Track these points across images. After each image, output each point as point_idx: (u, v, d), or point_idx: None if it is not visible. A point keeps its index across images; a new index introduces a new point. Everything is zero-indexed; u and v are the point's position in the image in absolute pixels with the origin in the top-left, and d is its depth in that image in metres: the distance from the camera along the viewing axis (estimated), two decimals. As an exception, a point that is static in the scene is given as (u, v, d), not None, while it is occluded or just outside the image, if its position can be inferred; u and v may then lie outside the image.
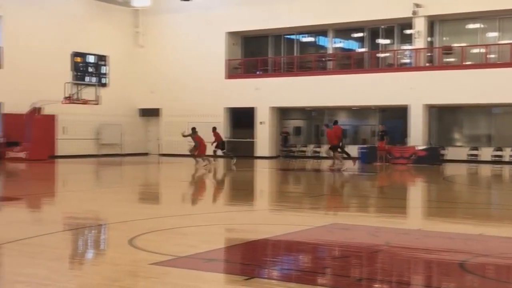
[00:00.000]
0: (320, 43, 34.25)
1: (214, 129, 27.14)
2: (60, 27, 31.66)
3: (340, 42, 33.63)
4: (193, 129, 26.14)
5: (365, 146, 29.85)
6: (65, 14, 32.06)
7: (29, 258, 7.10)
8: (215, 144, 26.57)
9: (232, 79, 33.25)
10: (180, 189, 17.44)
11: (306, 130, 34.96)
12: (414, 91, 28.60)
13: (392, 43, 31.69)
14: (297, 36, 33.78)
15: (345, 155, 24.97)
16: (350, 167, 24.15)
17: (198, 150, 25.79)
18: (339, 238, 8.64)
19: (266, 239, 8.45)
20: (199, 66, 33.66)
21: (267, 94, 31.97)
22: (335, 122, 25.56)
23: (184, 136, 26.17)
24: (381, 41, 32.07)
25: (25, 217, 11.09)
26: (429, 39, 30.31)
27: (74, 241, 8.68)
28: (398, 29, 31.18)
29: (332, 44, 32.97)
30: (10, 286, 5.91)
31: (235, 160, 26.70)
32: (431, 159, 26.89)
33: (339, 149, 24.34)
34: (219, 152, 26.90)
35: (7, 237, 8.38)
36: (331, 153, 24.16)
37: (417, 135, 28.80)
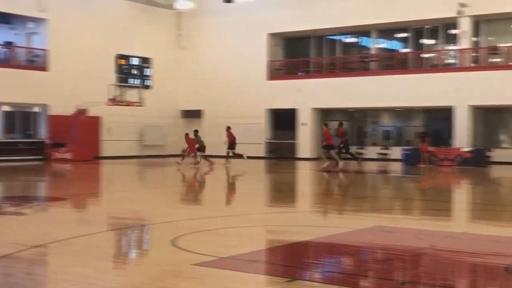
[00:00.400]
0: (363, 44, 33.98)
1: (228, 128, 27.54)
2: (104, 30, 32.19)
3: (383, 42, 33.30)
4: (195, 131, 27.50)
5: (408, 147, 29.48)
6: (110, 17, 32.58)
7: (75, 258, 7.24)
8: (228, 144, 27.08)
9: (274, 81, 33.25)
10: (222, 190, 17.52)
11: (349, 131, 34.68)
12: (459, 92, 28.13)
13: (437, 43, 31.25)
14: (339, 36, 33.59)
15: (349, 156, 26.03)
16: (396, 169, 23.87)
17: (188, 150, 26.89)
18: (382, 241, 8.56)
19: (308, 241, 8.42)
20: (240, 67, 33.78)
21: (309, 95, 31.87)
22: (340, 124, 26.75)
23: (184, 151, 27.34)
24: (426, 41, 31.65)
25: (71, 217, 11.31)
26: (474, 39, 29.77)
27: (118, 241, 8.82)
28: (442, 29, 30.73)
29: (375, 44, 32.68)
30: (57, 284, 6.04)
31: (245, 157, 27.20)
32: (476, 161, 26.40)
33: (341, 150, 25.29)
34: (223, 152, 27.19)
35: (55, 237, 8.57)
36: (327, 153, 24.33)
37: (462, 136, 28.31)
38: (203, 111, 35.20)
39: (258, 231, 9.52)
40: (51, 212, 12.11)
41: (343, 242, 8.37)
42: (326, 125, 25.33)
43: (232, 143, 27.43)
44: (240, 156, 27.49)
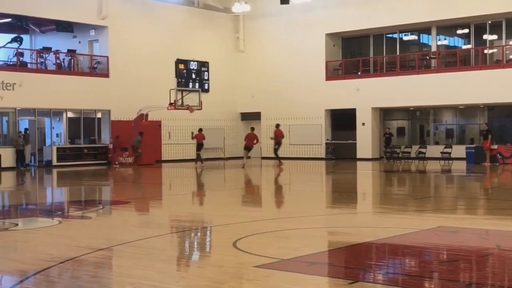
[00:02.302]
0: (423, 41, 33.41)
1: (252, 129, 28.40)
2: (163, 35, 32.71)
3: (444, 39, 32.65)
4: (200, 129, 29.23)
5: (472, 146, 28.80)
6: (169, 22, 33.08)
7: (138, 260, 7.39)
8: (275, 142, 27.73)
9: (332, 81, 33.08)
10: (282, 191, 17.54)
11: (410, 130, 34.19)
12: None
13: (500, 39, 30.40)
14: (399, 34, 33.13)
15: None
16: (459, 168, 23.38)
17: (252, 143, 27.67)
18: (446, 241, 8.41)
19: (370, 242, 8.35)
20: (298, 68, 33.74)
21: (368, 94, 31.56)
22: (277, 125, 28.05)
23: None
24: (488, 36, 30.85)
25: (135, 220, 11.54)
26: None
27: (180, 243, 8.95)
28: (505, 23, 29.88)
29: (435, 41, 32.08)
30: (121, 286, 6.18)
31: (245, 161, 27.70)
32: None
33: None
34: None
35: (119, 239, 8.77)
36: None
37: (529, 133, 27.47)
38: (261, 113, 35.31)
39: (319, 233, 9.50)
40: (115, 216, 12.39)
41: (406, 243, 8.26)
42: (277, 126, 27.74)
43: (279, 142, 27.78)
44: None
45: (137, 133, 28.84)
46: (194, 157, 32.80)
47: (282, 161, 27.62)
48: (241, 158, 30.25)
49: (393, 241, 8.42)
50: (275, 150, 28.02)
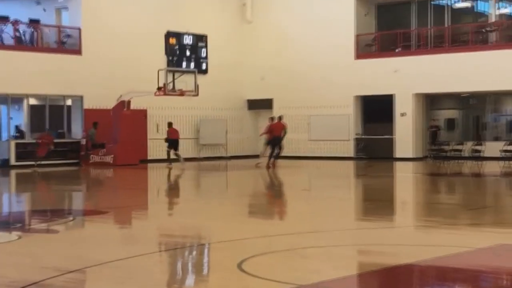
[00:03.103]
0: (480, 9, 33.26)
1: (279, 118, 28.58)
2: (150, 2, 32.71)
3: (506, 7, 32.51)
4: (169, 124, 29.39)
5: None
6: (156, -15, 33.11)
7: (119, 285, 7.42)
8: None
9: (364, 59, 32.99)
10: (299, 199, 17.54)
11: (463, 123, 34.08)
12: None
13: None
14: (449, 1, 33.02)
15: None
16: None
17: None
18: (508, 263, 8.40)
19: (411, 264, 8.34)
20: (321, 43, 33.67)
21: (410, 77, 31.47)
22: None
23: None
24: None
25: (114, 235, 11.57)
26: None
27: (171, 264, 8.97)
28: None
29: (495, 10, 31.95)
30: (98, 317, 6.22)
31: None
32: None
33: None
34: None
35: (94, 259, 8.79)
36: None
37: None
38: (274, 100, 35.29)
39: (346, 252, 9.50)
40: (89, 229, 12.42)
41: (458, 266, 8.26)
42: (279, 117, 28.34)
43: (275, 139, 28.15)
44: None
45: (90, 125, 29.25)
46: (190, 155, 32.85)
47: (275, 161, 27.68)
48: (247, 157, 30.30)
49: (441, 263, 8.40)
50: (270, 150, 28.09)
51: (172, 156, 28.95)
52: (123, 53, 31.26)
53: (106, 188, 22.34)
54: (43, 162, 28.61)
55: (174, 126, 29.66)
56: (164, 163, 28.66)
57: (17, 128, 30.18)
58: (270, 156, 27.76)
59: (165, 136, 29.65)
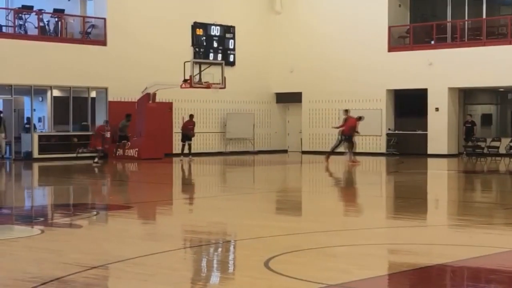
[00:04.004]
0: (518, 0, 32.93)
1: (359, 118, 27.87)
2: (177, -8, 32.78)
3: (546, -3, 32.17)
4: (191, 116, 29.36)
5: None
6: (183, -25, 33.14)
7: (142, 282, 7.44)
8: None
9: (397, 52, 32.81)
10: (328, 196, 17.51)
11: (500, 118, 33.76)
12: None
13: None
14: (486, -9, 32.73)
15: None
16: None
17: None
18: (545, 266, 8.33)
19: (444, 264, 8.30)
20: (352, 35, 33.52)
21: (445, 70, 31.25)
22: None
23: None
24: None
25: (137, 231, 11.62)
26: None
27: (196, 262, 8.99)
28: None
29: (534, 1, 31.61)
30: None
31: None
32: None
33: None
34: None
35: (117, 255, 8.83)
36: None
37: None
38: (303, 93, 35.24)
39: (376, 251, 9.47)
40: (112, 224, 12.49)
41: (493, 267, 8.19)
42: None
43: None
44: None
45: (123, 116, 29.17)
46: (216, 149, 32.91)
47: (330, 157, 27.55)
48: (275, 152, 30.30)
49: (475, 264, 8.35)
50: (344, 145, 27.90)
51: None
52: (148, 44, 31.33)
53: (130, 182, 22.44)
54: (66, 155, 28.84)
55: (194, 119, 29.91)
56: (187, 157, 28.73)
57: (28, 119, 30.27)
58: (350, 152, 27.52)
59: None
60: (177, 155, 29.98)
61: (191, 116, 29.71)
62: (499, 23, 32.30)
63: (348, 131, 27.21)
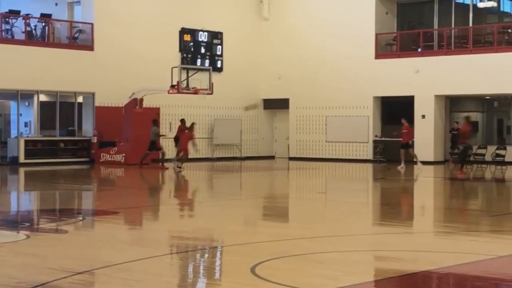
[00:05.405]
0: (505, 9, 33.10)
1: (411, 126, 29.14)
2: (165, -2, 32.79)
3: (532, 6, 32.39)
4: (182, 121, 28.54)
5: None
6: (171, -20, 33.15)
7: (128, 287, 7.41)
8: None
9: (384, 59, 32.90)
10: (315, 203, 17.52)
11: (486, 126, 33.90)
12: None
13: None
14: (472, 0, 32.87)
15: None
16: None
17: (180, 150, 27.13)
18: (531, 273, 8.36)
19: (430, 271, 8.32)
20: (340, 42, 33.60)
21: (431, 78, 31.35)
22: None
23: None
24: None
25: (124, 236, 11.60)
26: None
27: (183, 268, 8.97)
28: None
29: (521, 9, 31.79)
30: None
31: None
32: None
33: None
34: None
35: (104, 261, 8.81)
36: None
37: None
38: (291, 100, 35.26)
39: (363, 257, 9.48)
40: (99, 230, 12.45)
41: (478, 273, 8.21)
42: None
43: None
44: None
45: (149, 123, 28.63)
46: (208, 155, 32.83)
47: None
48: (263, 158, 30.33)
49: (461, 270, 8.37)
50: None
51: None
52: (136, 49, 31.30)
53: (116, 188, 22.39)
54: (52, 160, 28.76)
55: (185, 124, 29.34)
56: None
57: (26, 125, 30.19)
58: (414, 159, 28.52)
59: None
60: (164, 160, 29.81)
61: (183, 121, 28.86)
62: (486, 31, 32.47)
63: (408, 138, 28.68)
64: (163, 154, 28.45)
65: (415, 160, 28.30)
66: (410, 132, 29.07)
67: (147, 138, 29.52)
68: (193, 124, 28.24)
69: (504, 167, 27.83)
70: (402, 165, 28.02)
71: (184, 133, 27.40)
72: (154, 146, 28.07)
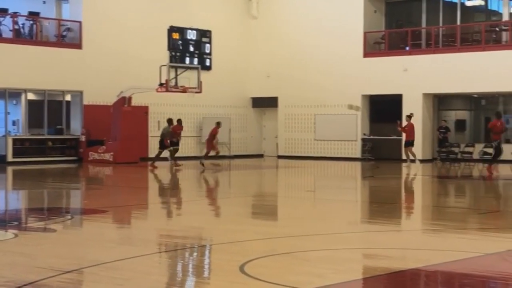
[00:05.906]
0: (492, 8, 33.19)
1: (409, 117, 28.85)
2: (153, -4, 32.73)
3: (520, 5, 32.47)
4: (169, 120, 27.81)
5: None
6: (160, -22, 33.10)
7: (117, 286, 7.41)
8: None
9: (372, 58, 32.96)
10: (304, 201, 17.53)
11: (473, 124, 34.00)
12: None
13: None
14: (460, -2, 32.99)
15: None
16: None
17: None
18: (518, 270, 8.39)
19: (418, 269, 8.34)
20: (328, 41, 33.64)
21: (419, 76, 31.42)
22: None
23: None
24: None
25: (112, 235, 11.58)
26: None
27: (172, 266, 8.97)
28: None
29: (509, 8, 31.89)
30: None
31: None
32: None
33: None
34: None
35: (92, 259, 8.80)
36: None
37: None
38: (279, 98, 35.28)
39: (351, 255, 9.50)
40: (87, 228, 12.43)
41: (466, 271, 8.25)
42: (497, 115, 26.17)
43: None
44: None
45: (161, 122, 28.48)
46: (197, 153, 32.78)
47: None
48: (251, 156, 30.27)
49: (448, 268, 8.40)
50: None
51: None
52: (124, 47, 31.25)
53: (105, 186, 22.35)
54: (40, 158, 28.67)
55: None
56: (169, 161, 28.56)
57: (13, 123, 30.09)
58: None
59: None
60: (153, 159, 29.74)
61: (179, 121, 28.28)
62: (473, 30, 32.56)
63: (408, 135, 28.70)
64: (172, 151, 27.93)
65: (412, 158, 28.21)
66: (413, 130, 28.90)
67: (136, 137, 29.56)
68: (179, 120, 28.18)
69: (492, 165, 27.89)
70: (416, 161, 28.40)
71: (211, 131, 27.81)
72: (163, 144, 27.88)
